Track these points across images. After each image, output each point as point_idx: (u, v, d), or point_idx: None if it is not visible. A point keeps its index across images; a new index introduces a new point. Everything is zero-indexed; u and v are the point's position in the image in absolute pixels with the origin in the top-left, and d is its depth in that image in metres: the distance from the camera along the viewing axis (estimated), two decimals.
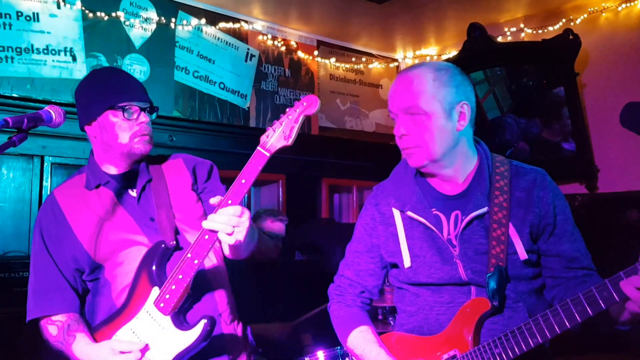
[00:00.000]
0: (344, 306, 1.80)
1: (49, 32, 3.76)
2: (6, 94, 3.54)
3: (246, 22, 4.78)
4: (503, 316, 1.56)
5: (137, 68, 4.13)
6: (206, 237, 1.60)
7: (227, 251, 1.85)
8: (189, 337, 1.65)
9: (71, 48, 3.84)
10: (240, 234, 1.57)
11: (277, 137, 1.61)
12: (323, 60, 5.34)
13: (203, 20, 4.48)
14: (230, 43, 4.69)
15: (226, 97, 4.63)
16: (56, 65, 3.78)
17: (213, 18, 4.57)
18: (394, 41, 5.53)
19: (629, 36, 4.27)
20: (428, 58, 5.59)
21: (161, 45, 4.26)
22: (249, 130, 4.69)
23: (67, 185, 1.91)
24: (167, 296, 1.65)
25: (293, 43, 5.12)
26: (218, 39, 4.60)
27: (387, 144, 5.46)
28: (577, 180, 4.45)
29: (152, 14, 4.23)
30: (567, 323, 1.37)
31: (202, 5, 4.49)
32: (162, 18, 4.26)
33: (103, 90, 1.82)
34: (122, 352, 1.66)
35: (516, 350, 1.44)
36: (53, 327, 1.80)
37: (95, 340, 1.74)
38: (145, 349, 1.68)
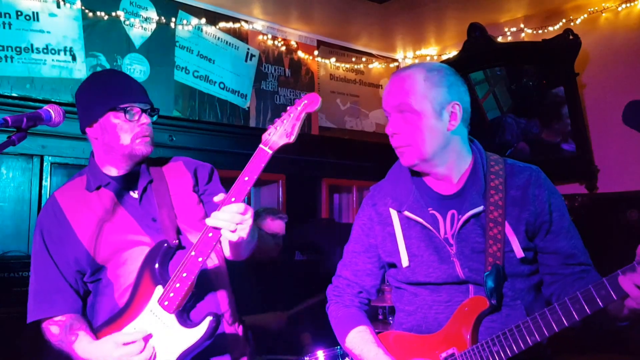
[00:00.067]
0: (342, 306, 1.80)
1: (48, 32, 3.76)
2: (6, 94, 3.54)
3: (246, 22, 4.78)
4: (501, 314, 1.56)
5: (137, 68, 4.12)
6: (210, 234, 1.60)
7: (227, 252, 1.86)
8: (195, 334, 1.65)
9: (71, 47, 3.84)
10: (243, 231, 1.58)
11: (279, 134, 1.61)
12: (323, 60, 5.34)
13: (203, 20, 4.48)
14: (230, 43, 4.68)
15: (226, 97, 4.63)
16: (56, 64, 3.78)
17: (213, 18, 4.57)
18: (394, 41, 5.52)
19: (629, 36, 4.27)
20: (428, 58, 5.59)
21: (161, 45, 4.26)
22: (249, 130, 4.69)
23: (67, 187, 1.91)
24: (172, 294, 1.65)
25: (293, 43, 5.12)
26: (218, 38, 4.60)
27: (387, 144, 5.38)
28: (577, 180, 4.44)
29: (152, 14, 4.23)
30: (565, 321, 1.38)
31: (202, 5, 4.49)
32: (162, 18, 4.26)
33: (104, 92, 1.83)
34: (125, 344, 1.65)
35: (514, 348, 1.44)
36: (54, 327, 1.80)
37: (98, 339, 1.74)
38: (148, 338, 1.68)
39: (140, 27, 4.16)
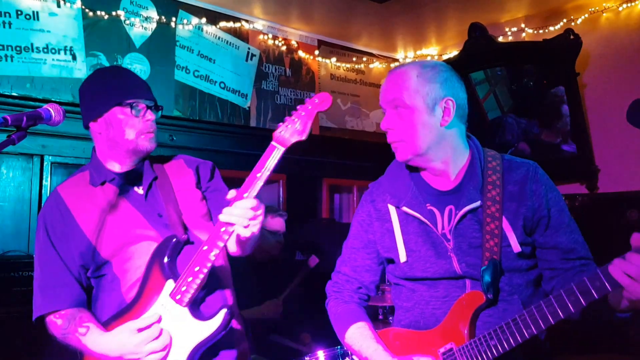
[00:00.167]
0: (342, 302, 1.82)
1: (48, 31, 3.76)
2: (6, 93, 3.54)
3: (247, 21, 4.77)
4: (498, 309, 1.57)
5: (138, 67, 4.12)
6: (222, 229, 1.63)
7: (233, 248, 1.87)
8: (210, 326, 1.68)
9: (71, 47, 3.84)
10: (255, 227, 1.62)
11: (291, 132, 1.64)
12: (324, 60, 5.33)
13: (204, 20, 4.48)
14: (230, 42, 4.68)
15: (227, 96, 4.63)
16: (56, 64, 3.77)
17: (214, 17, 4.57)
18: (394, 41, 5.52)
19: (629, 36, 4.26)
20: (429, 58, 5.59)
21: (161, 44, 4.26)
22: (249, 130, 4.69)
23: (70, 183, 1.91)
24: (184, 288, 1.67)
25: (294, 43, 5.12)
26: (219, 38, 4.60)
27: (387, 144, 5.44)
28: (577, 180, 4.44)
29: (153, 13, 4.22)
30: (560, 313, 1.38)
31: (202, 4, 4.49)
32: (163, 17, 4.26)
33: (110, 87, 1.85)
34: (140, 330, 1.66)
35: (511, 341, 1.45)
36: (59, 320, 1.78)
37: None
38: (158, 320, 1.68)
39: (141, 26, 4.16)
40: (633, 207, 4.04)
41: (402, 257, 1.67)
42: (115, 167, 1.89)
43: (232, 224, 1.60)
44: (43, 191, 3.67)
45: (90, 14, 3.91)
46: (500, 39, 4.83)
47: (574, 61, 4.29)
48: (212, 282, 1.81)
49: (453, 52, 5.25)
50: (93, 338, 1.71)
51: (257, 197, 1.62)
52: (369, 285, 1.82)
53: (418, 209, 1.66)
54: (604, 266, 1.32)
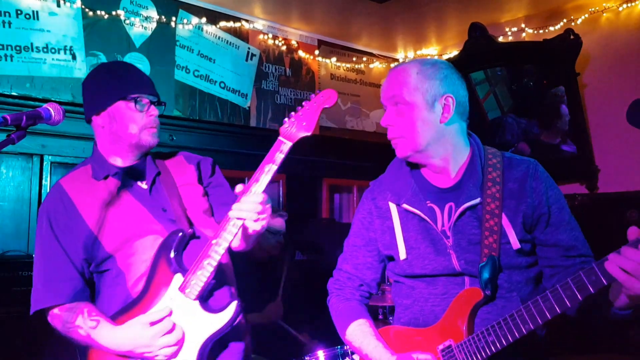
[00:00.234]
0: (343, 300, 1.83)
1: (48, 31, 3.75)
2: (5, 93, 3.54)
3: (247, 21, 4.77)
4: (496, 305, 1.57)
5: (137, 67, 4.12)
6: (231, 222, 1.65)
7: (236, 242, 1.86)
8: (221, 318, 1.70)
9: (71, 46, 3.84)
10: (264, 221, 1.66)
11: (297, 127, 1.67)
12: (324, 59, 5.33)
13: (204, 19, 4.48)
14: (230, 42, 4.68)
15: (227, 96, 4.63)
16: (56, 63, 3.77)
17: (214, 17, 4.57)
18: (394, 41, 5.52)
19: (629, 36, 4.27)
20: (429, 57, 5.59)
21: (161, 44, 4.26)
22: (249, 130, 4.69)
23: (73, 176, 1.89)
24: (194, 282, 1.69)
25: (294, 42, 5.11)
26: (219, 38, 4.60)
27: (387, 144, 5.43)
28: (577, 180, 4.44)
29: (153, 13, 4.22)
30: (557, 308, 1.38)
31: (202, 4, 4.49)
32: (163, 17, 4.25)
33: (115, 81, 1.85)
34: (152, 324, 1.65)
35: (509, 337, 1.45)
36: (64, 314, 1.75)
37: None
38: (169, 313, 1.69)
39: (141, 26, 4.16)
40: (633, 207, 4.04)
41: (402, 254, 1.67)
42: (117, 162, 1.89)
43: (242, 219, 1.63)
44: (43, 191, 3.67)
45: (90, 13, 3.91)
46: (501, 39, 4.83)
47: (574, 61, 4.30)
48: (219, 278, 1.82)
49: (453, 52, 5.25)
50: (104, 332, 1.69)
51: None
52: (370, 282, 1.83)
53: (418, 206, 1.66)
54: (600, 260, 1.32)
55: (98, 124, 1.87)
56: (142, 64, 4.14)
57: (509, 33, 4.87)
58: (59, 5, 3.79)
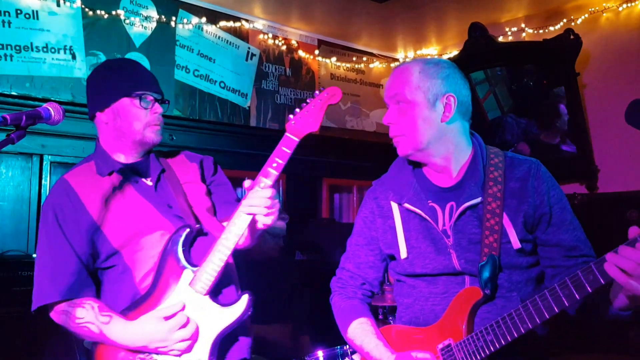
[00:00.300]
0: (345, 298, 1.84)
1: (48, 30, 3.75)
2: (5, 92, 3.54)
3: (247, 21, 4.77)
4: (496, 305, 1.57)
5: None
6: (241, 218, 1.67)
7: (242, 239, 1.85)
8: (233, 312, 1.71)
9: (71, 46, 3.84)
10: (274, 215, 1.69)
11: (304, 123, 1.69)
12: (324, 59, 5.33)
13: (204, 19, 4.48)
14: (230, 42, 4.68)
15: (227, 96, 4.63)
16: (55, 63, 3.77)
17: (214, 17, 4.57)
18: (394, 41, 5.52)
19: (629, 36, 4.26)
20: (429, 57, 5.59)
21: (161, 43, 4.25)
22: (249, 130, 4.69)
23: (77, 172, 1.88)
24: (204, 277, 1.70)
25: (294, 42, 5.11)
26: (219, 37, 4.60)
27: (388, 143, 5.42)
28: (577, 180, 4.44)
29: (153, 12, 4.22)
30: (555, 307, 1.38)
31: (202, 3, 4.48)
32: (163, 16, 4.25)
33: (120, 77, 1.86)
34: (167, 318, 1.66)
35: (507, 336, 1.45)
36: (70, 309, 1.72)
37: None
38: (182, 308, 1.70)
39: (141, 25, 4.16)
40: (633, 207, 4.04)
41: (403, 253, 1.68)
42: (121, 158, 1.89)
43: (252, 214, 1.65)
44: (42, 191, 3.67)
45: (90, 13, 3.91)
46: (501, 38, 4.83)
47: (574, 61, 4.29)
48: (224, 276, 1.82)
49: (453, 52, 5.25)
50: (117, 328, 1.67)
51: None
52: (373, 281, 1.84)
53: (419, 206, 1.67)
54: (598, 259, 1.32)
55: (102, 121, 1.87)
56: (142, 63, 4.12)
57: (509, 33, 4.87)
58: (58, 5, 3.79)
